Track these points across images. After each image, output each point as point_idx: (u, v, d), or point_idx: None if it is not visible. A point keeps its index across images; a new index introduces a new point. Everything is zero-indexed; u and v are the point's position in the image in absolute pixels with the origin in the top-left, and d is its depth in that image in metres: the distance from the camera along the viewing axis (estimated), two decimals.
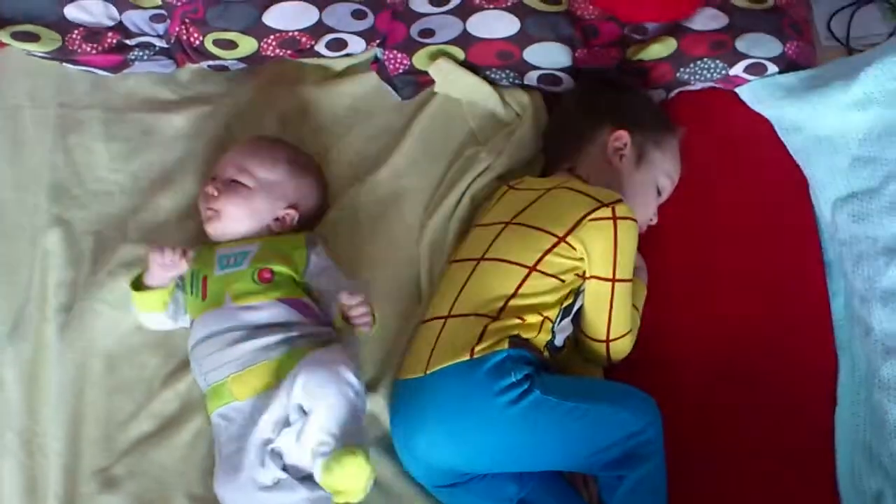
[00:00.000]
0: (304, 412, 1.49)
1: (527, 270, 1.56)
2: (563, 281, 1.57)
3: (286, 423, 1.52)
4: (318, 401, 1.46)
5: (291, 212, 1.72)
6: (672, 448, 1.54)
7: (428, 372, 1.53)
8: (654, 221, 1.79)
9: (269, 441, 1.52)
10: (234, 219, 1.69)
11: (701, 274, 1.77)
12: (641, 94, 1.87)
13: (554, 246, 1.57)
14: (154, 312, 1.65)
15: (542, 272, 1.56)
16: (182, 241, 1.74)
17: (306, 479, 1.53)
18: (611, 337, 1.62)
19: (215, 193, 1.69)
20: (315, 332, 1.61)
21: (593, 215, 1.57)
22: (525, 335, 1.54)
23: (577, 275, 1.59)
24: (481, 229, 1.69)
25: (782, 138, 1.85)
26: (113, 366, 1.66)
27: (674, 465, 1.54)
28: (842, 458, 1.64)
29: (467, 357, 1.50)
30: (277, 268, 1.63)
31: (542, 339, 1.56)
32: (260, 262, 1.64)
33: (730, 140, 1.88)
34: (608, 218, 1.57)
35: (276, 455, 1.53)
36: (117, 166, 1.82)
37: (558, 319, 1.58)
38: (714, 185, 1.84)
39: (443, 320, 1.58)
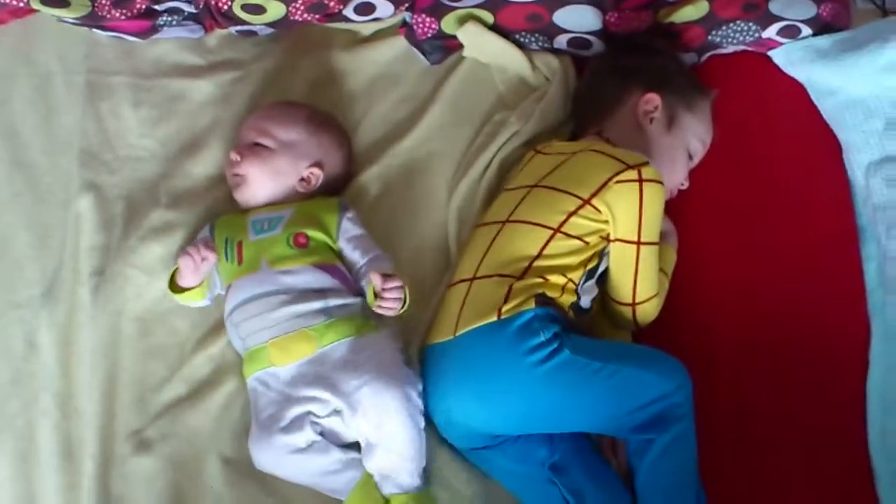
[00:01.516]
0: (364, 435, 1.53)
1: (551, 232, 1.56)
2: (586, 243, 1.57)
3: (336, 413, 1.54)
4: (390, 427, 1.50)
5: (316, 170, 1.72)
6: (703, 415, 1.53)
7: (456, 335, 1.53)
8: (686, 186, 1.78)
9: (312, 414, 1.54)
10: (259, 182, 1.70)
11: (732, 239, 1.76)
12: (673, 56, 1.84)
13: (579, 208, 1.56)
14: (195, 302, 1.67)
15: (566, 234, 1.56)
16: (212, 207, 1.76)
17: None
18: (637, 300, 1.61)
19: (238, 158, 1.70)
20: (351, 302, 1.61)
21: (619, 177, 1.56)
22: (550, 294, 1.54)
23: (602, 237, 1.58)
24: (507, 193, 1.68)
25: (815, 102, 1.83)
26: (146, 330, 1.68)
27: (705, 433, 1.53)
28: (873, 421, 1.63)
29: (495, 318, 1.50)
30: (312, 233, 1.64)
31: (566, 299, 1.56)
32: (294, 227, 1.64)
33: (762, 104, 1.86)
34: (634, 180, 1.56)
35: (314, 423, 1.54)
36: (146, 132, 1.82)
37: (582, 281, 1.57)
38: (746, 150, 1.82)
39: (468, 283, 1.58)
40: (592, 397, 1.50)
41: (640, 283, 1.60)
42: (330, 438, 1.55)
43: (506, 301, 1.51)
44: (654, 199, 1.58)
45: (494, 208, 1.68)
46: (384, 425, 1.51)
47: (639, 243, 1.57)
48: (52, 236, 1.74)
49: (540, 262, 1.55)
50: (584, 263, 1.57)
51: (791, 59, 1.84)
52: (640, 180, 1.56)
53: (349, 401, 1.53)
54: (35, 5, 1.80)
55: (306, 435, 1.53)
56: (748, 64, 1.88)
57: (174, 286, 1.64)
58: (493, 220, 1.64)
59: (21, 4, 1.81)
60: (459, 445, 1.60)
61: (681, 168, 1.76)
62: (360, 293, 1.64)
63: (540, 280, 1.53)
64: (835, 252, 1.75)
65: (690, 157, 1.77)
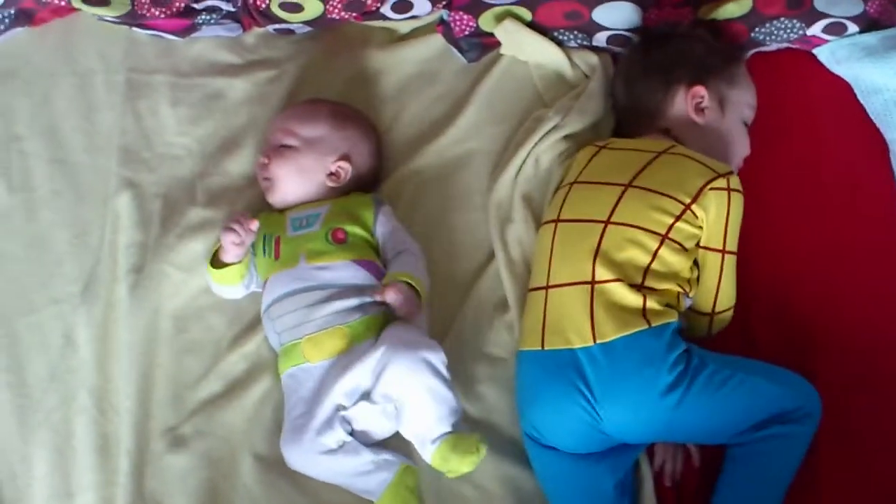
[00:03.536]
0: (389, 398, 1.53)
1: (660, 238, 1.54)
2: (686, 249, 1.56)
3: (364, 396, 1.54)
4: (413, 390, 1.50)
5: (344, 164, 1.72)
6: None
7: (600, 341, 1.49)
8: (749, 151, 1.76)
9: (341, 407, 1.54)
10: (287, 182, 1.70)
11: (773, 239, 1.73)
12: (697, 36, 1.79)
13: (682, 213, 1.55)
14: (232, 286, 1.67)
15: (672, 239, 1.55)
16: (249, 206, 1.77)
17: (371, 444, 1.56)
18: (717, 310, 1.60)
19: (266, 161, 1.71)
20: None
21: (713, 184, 1.57)
22: (673, 303, 1.53)
23: (696, 244, 1.57)
24: (589, 188, 1.64)
25: (861, 101, 1.79)
26: (181, 327, 1.69)
27: None
28: None
29: (645, 326, 1.49)
30: (350, 228, 1.64)
31: (682, 307, 1.56)
32: (332, 223, 1.65)
33: (806, 103, 1.83)
34: (724, 189, 1.57)
35: (345, 421, 1.55)
36: (185, 130, 1.83)
37: (692, 290, 1.57)
38: (790, 150, 1.79)
39: (587, 286, 1.53)
40: (726, 405, 1.49)
41: (721, 292, 1.59)
42: (360, 438, 1.55)
43: (645, 309, 1.50)
44: (738, 209, 1.58)
45: (575, 204, 1.63)
46: (405, 384, 1.50)
47: (724, 251, 1.57)
48: (91, 233, 1.75)
49: (655, 270, 1.53)
50: (690, 271, 1.57)
51: (837, 56, 1.80)
52: (729, 189, 1.57)
53: (373, 373, 1.52)
54: (76, 4, 1.82)
55: (337, 435, 1.53)
56: (792, 62, 1.85)
57: (216, 262, 1.64)
58: (588, 219, 1.59)
59: (62, 3, 1.83)
60: (570, 449, 1.55)
61: (742, 141, 1.75)
62: None
63: (663, 288, 1.53)
64: (879, 255, 1.71)
65: (745, 125, 1.77)
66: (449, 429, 1.50)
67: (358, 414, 1.55)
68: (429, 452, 1.50)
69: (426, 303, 1.65)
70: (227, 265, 1.64)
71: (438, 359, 1.52)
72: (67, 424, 1.63)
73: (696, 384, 1.47)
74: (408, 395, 1.51)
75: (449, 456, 1.47)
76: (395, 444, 1.59)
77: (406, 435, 1.54)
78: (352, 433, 1.55)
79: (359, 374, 1.53)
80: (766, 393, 1.50)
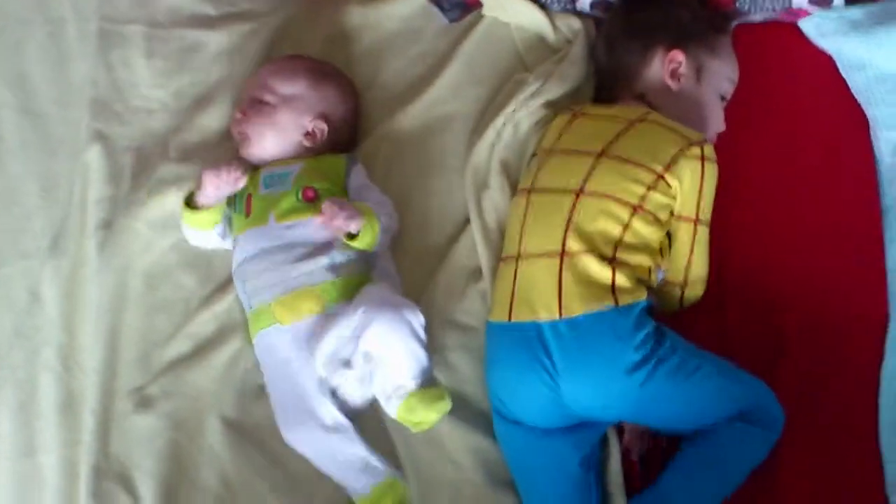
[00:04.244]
0: (369, 357, 1.51)
1: (631, 209, 1.53)
2: (660, 220, 1.55)
3: (344, 364, 1.53)
4: (393, 348, 1.49)
5: (320, 123, 1.70)
6: None
7: (566, 316, 1.48)
8: (723, 128, 1.74)
9: (323, 381, 1.54)
10: (262, 138, 1.68)
11: (752, 216, 1.72)
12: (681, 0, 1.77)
13: (655, 183, 1.54)
14: (203, 230, 1.65)
15: (646, 210, 1.53)
16: (222, 161, 1.72)
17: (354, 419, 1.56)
18: (688, 281, 1.59)
19: (240, 116, 1.69)
20: (358, 257, 1.60)
21: (687, 153, 1.56)
22: (644, 278, 1.52)
23: (669, 214, 1.56)
24: (563, 157, 1.62)
25: (844, 76, 1.77)
26: (151, 285, 1.67)
27: None
28: (885, 410, 1.60)
29: (611, 303, 1.48)
30: (321, 185, 1.63)
31: (653, 281, 1.55)
32: (302, 181, 1.63)
33: (789, 77, 1.81)
34: (697, 157, 1.56)
35: (330, 391, 1.55)
36: (159, 83, 1.80)
37: (664, 263, 1.57)
38: (770, 124, 1.77)
39: (557, 258, 1.52)
40: (692, 395, 1.49)
41: (694, 262, 1.58)
42: (341, 409, 1.54)
43: (614, 285, 1.49)
44: (712, 178, 1.57)
45: (551, 173, 1.61)
46: (385, 342, 1.49)
47: (696, 221, 1.57)
48: (60, 187, 1.73)
49: (627, 242, 1.52)
50: (661, 243, 1.56)
51: (822, 29, 1.78)
52: (703, 158, 1.56)
53: (352, 336, 1.51)
54: None
55: (330, 411, 1.52)
56: (777, 34, 1.82)
57: (190, 203, 1.63)
58: (560, 188, 1.58)
59: None
60: (534, 423, 1.54)
61: (717, 114, 1.73)
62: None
63: (635, 262, 1.52)
64: (857, 233, 1.71)
65: (723, 98, 1.74)
66: (416, 386, 1.49)
67: (338, 382, 1.55)
68: (394, 406, 1.49)
69: (398, 272, 1.66)
70: (201, 208, 1.61)
71: (417, 320, 1.51)
72: (32, 382, 1.61)
73: (663, 367, 1.47)
74: (384, 352, 1.50)
75: (415, 406, 1.46)
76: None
77: (374, 391, 1.53)
78: (341, 408, 1.54)
79: (336, 340, 1.52)
80: (733, 390, 1.50)
